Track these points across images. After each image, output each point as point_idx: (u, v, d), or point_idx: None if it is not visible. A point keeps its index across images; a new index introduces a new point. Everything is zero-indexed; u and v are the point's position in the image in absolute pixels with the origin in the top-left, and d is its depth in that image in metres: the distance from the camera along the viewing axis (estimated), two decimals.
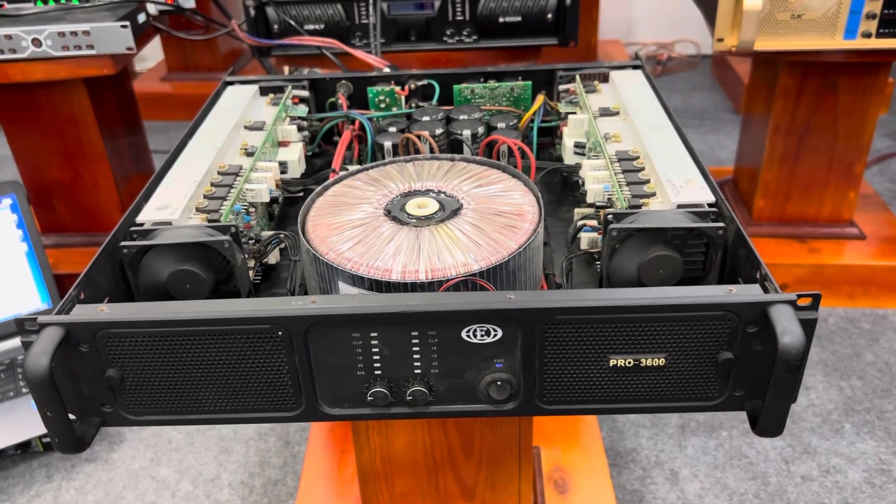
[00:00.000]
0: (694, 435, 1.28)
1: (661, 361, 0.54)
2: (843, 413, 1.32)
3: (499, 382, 0.55)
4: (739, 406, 0.56)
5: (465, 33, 1.28)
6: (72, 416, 0.56)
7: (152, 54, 2.70)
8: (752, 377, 0.55)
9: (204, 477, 1.25)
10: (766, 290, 0.53)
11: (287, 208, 0.82)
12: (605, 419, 1.31)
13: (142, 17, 1.34)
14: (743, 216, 1.64)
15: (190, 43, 2.42)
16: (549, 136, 0.91)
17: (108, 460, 1.29)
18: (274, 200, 0.76)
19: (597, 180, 0.71)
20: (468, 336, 0.54)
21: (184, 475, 1.26)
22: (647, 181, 0.68)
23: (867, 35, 1.24)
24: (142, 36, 1.34)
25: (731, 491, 1.19)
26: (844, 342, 1.47)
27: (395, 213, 0.65)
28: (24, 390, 1.31)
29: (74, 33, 1.26)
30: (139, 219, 0.65)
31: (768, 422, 0.53)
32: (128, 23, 1.26)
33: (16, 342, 1.37)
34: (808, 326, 0.51)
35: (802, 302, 0.52)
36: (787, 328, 0.49)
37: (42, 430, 1.26)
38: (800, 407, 1.33)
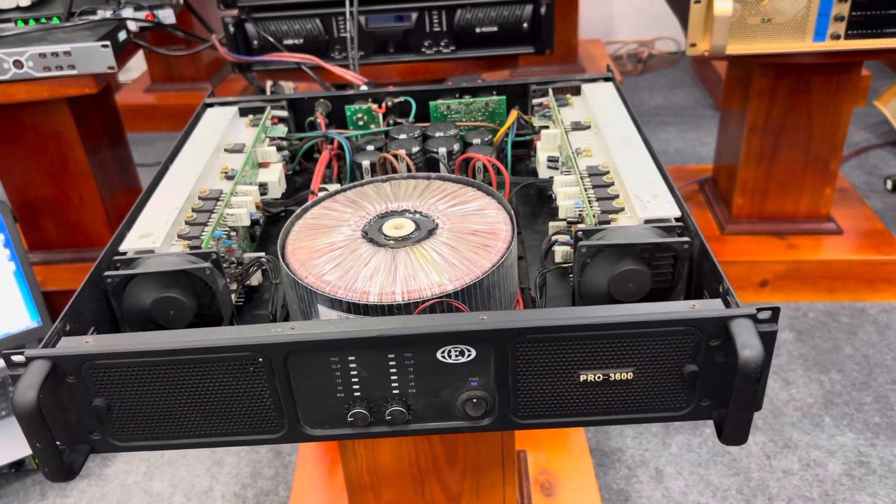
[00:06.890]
0: (678, 433, 1.31)
1: (630, 375, 0.56)
2: (822, 407, 1.34)
3: (474, 400, 0.57)
4: (707, 415, 0.58)
5: (442, 44, 1.30)
6: (60, 445, 0.57)
7: (136, 65, 2.70)
8: (717, 387, 0.57)
9: (197, 490, 1.27)
10: (727, 305, 0.56)
11: (269, 228, 0.84)
12: None
13: (122, 35, 1.35)
14: (723, 214, 1.67)
15: None
16: (526, 147, 0.93)
17: (101, 476, 1.31)
18: (255, 223, 0.77)
19: (568, 196, 0.73)
20: (443, 357, 0.56)
21: (177, 488, 1.28)
22: (616, 196, 0.70)
23: (836, 37, 1.27)
24: (123, 53, 1.35)
25: (715, 487, 1.21)
26: (824, 336, 1.50)
27: (373, 235, 0.67)
28: None
29: (56, 54, 1.27)
30: (122, 247, 0.67)
31: (732, 431, 0.55)
32: (108, 42, 1.27)
33: None
34: (768, 339, 0.53)
35: (763, 315, 0.54)
36: (747, 342, 0.51)
37: None
38: (781, 402, 1.35)
